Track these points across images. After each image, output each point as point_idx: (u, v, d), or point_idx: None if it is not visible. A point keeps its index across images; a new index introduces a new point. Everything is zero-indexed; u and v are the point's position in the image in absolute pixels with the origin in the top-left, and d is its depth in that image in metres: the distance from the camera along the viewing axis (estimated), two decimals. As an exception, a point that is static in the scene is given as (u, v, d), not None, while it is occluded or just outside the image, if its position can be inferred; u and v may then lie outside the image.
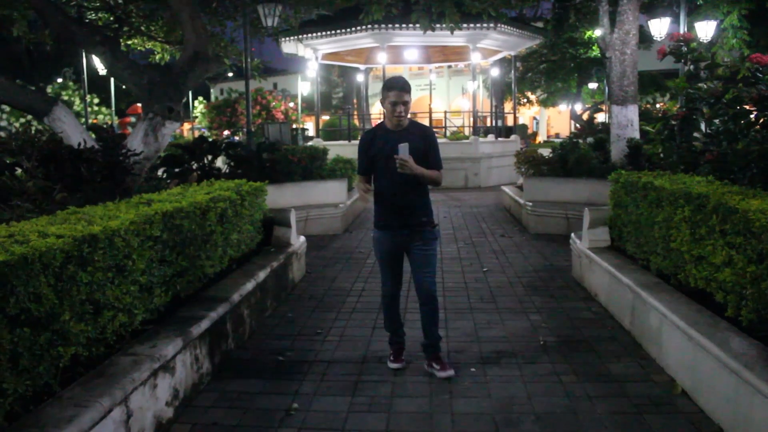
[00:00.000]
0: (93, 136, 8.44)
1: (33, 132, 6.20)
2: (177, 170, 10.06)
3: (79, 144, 6.92)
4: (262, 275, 5.74)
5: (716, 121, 5.48)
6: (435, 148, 4.48)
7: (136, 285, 3.85)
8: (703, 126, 6.09)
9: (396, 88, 4.29)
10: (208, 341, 4.45)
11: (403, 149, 4.15)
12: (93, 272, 3.34)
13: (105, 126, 14.64)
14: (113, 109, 27.64)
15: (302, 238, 7.67)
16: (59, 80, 32.15)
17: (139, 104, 36.08)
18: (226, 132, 33.30)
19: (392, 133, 4.38)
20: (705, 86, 5.65)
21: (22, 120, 25.71)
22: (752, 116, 4.75)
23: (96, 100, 29.98)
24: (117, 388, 3.19)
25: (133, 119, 32.74)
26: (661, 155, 6.58)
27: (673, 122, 6.20)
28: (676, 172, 5.85)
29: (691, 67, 6.03)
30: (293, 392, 4.31)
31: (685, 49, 6.08)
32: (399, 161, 4.15)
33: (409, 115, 4.43)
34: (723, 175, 4.98)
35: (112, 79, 25.47)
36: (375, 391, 4.29)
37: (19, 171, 6.22)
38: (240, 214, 5.86)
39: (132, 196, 5.09)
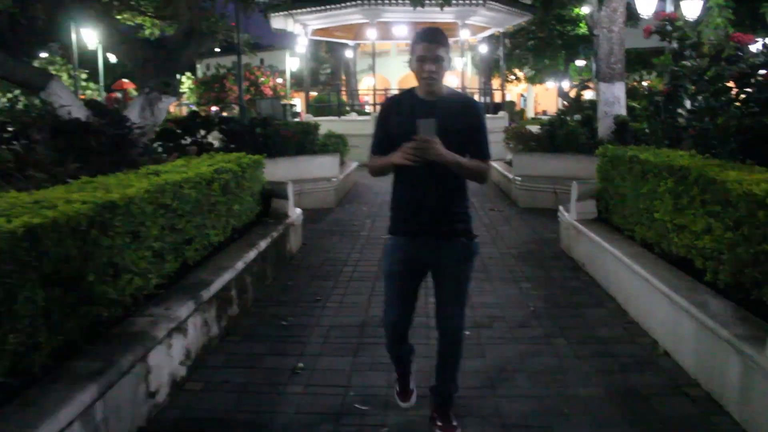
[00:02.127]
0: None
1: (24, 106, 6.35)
2: (171, 144, 10.20)
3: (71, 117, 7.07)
4: (263, 244, 5.96)
5: (699, 97, 5.72)
6: (480, 128, 3.16)
7: (150, 251, 4.06)
8: (688, 103, 6.33)
9: (425, 40, 3.03)
10: (216, 305, 4.67)
11: (426, 126, 2.87)
12: (113, 237, 3.54)
13: (99, 101, 14.68)
14: (101, 84, 27.47)
15: (299, 210, 7.88)
16: (43, 55, 31.87)
17: (125, 80, 35.74)
18: (214, 108, 33.25)
19: (422, 102, 3.11)
20: (689, 64, 5.90)
21: (9, 95, 25.60)
22: (732, 93, 4.99)
23: (84, 76, 29.80)
24: (138, 345, 3.41)
25: (118, 95, 32.59)
26: (647, 131, 6.83)
27: (658, 99, 6.45)
28: (661, 146, 6.10)
29: (676, 45, 6.26)
30: (298, 354, 4.54)
31: (669, 28, 6.31)
32: (418, 143, 2.88)
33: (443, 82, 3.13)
34: (705, 149, 5.24)
35: (100, 55, 25.32)
36: (376, 351, 4.53)
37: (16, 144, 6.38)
38: (241, 186, 6.06)
39: (137, 168, 5.28)
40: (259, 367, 4.32)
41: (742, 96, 4.90)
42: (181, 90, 39.32)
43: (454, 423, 3.36)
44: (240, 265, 5.22)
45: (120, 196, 3.64)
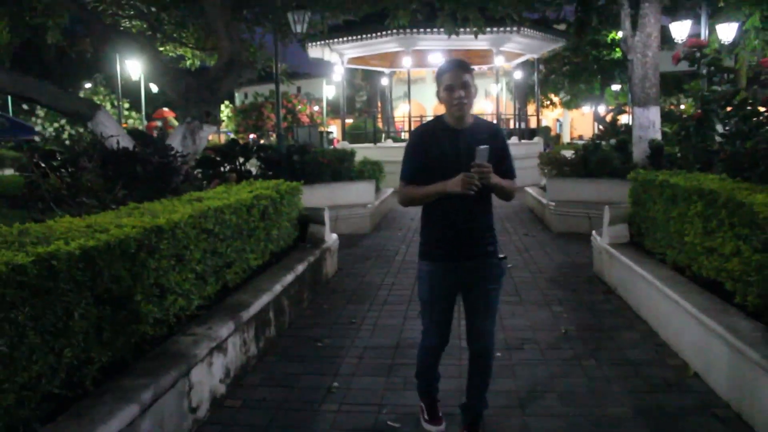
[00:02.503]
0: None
1: (73, 136, 6.68)
2: (211, 171, 10.50)
3: (120, 146, 7.39)
4: (300, 268, 6.14)
5: (730, 121, 5.77)
6: (506, 151, 3.39)
7: (192, 273, 4.26)
8: (720, 127, 6.38)
9: (450, 69, 3.21)
10: (254, 326, 4.85)
11: (482, 154, 3.01)
12: (159, 259, 3.75)
13: (142, 130, 15.08)
14: (143, 113, 28.28)
15: (335, 236, 8.06)
16: (87, 85, 32.92)
17: (165, 109, 36.60)
18: (252, 135, 33.89)
19: (455, 132, 3.25)
20: (719, 89, 5.96)
21: (56, 125, 26.51)
22: (762, 117, 5.04)
23: (126, 105, 30.67)
24: (182, 362, 3.59)
25: (159, 123, 33.41)
26: (678, 155, 6.88)
27: (689, 123, 6.51)
28: (692, 170, 6.15)
29: (704, 71, 6.33)
30: (333, 373, 4.68)
31: (698, 54, 6.39)
32: (477, 170, 3.01)
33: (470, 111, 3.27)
34: (736, 173, 5.28)
35: (142, 85, 26.10)
36: (409, 372, 4.63)
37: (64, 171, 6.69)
38: (279, 212, 6.26)
39: (180, 194, 5.52)
40: (295, 386, 4.47)
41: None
42: (219, 118, 40.25)
43: None
44: (278, 288, 5.40)
45: (166, 221, 3.86)
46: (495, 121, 21.72)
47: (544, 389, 4.32)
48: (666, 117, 11.08)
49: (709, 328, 4.12)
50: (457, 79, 3.17)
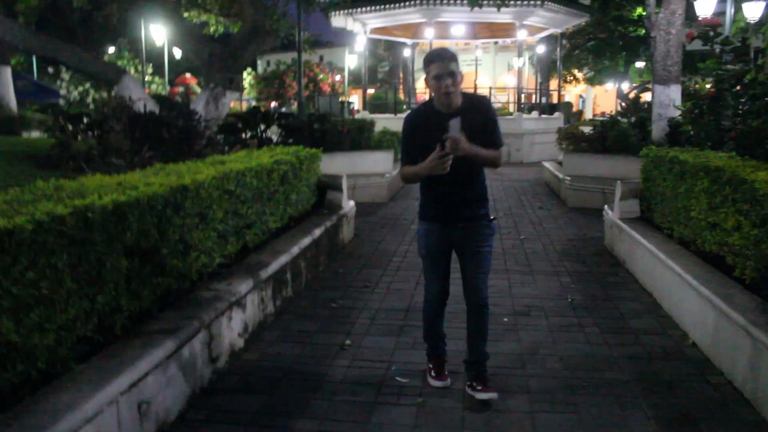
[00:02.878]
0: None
1: (99, 100, 6.91)
2: (233, 137, 10.71)
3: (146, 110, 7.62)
4: (317, 233, 6.36)
5: (742, 100, 5.86)
6: (494, 122, 3.69)
7: (215, 231, 4.49)
8: (732, 105, 6.45)
9: (437, 59, 3.51)
10: (272, 285, 5.08)
11: (455, 126, 3.33)
12: (184, 217, 3.97)
13: (166, 95, 15.32)
14: (166, 78, 28.51)
15: (352, 203, 8.27)
16: (111, 50, 33.13)
17: (188, 75, 36.73)
18: (273, 103, 34.07)
19: (444, 116, 3.48)
20: (732, 68, 6.04)
21: (80, 88, 26.81)
22: (769, 97, 5.14)
23: (149, 70, 30.88)
24: (203, 315, 3.83)
25: (181, 89, 33.64)
26: (691, 133, 6.98)
27: (702, 102, 6.60)
28: (704, 148, 6.26)
29: (717, 50, 6.40)
30: (346, 332, 4.92)
31: (711, 33, 6.45)
32: (449, 141, 3.33)
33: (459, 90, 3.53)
34: (745, 151, 5.39)
35: (165, 50, 26.27)
36: (419, 333, 4.83)
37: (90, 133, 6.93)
38: (298, 177, 6.47)
39: (203, 158, 5.74)
40: (309, 343, 4.71)
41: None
42: (242, 85, 40.39)
43: (491, 386, 3.77)
44: (295, 250, 5.63)
45: (191, 180, 4.07)
46: (517, 95, 21.76)
47: (547, 353, 4.52)
48: (689, 96, 11.07)
49: (707, 299, 4.29)
50: (444, 69, 3.47)
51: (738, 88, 5.75)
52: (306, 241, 5.98)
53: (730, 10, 13.58)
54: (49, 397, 2.67)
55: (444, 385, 3.95)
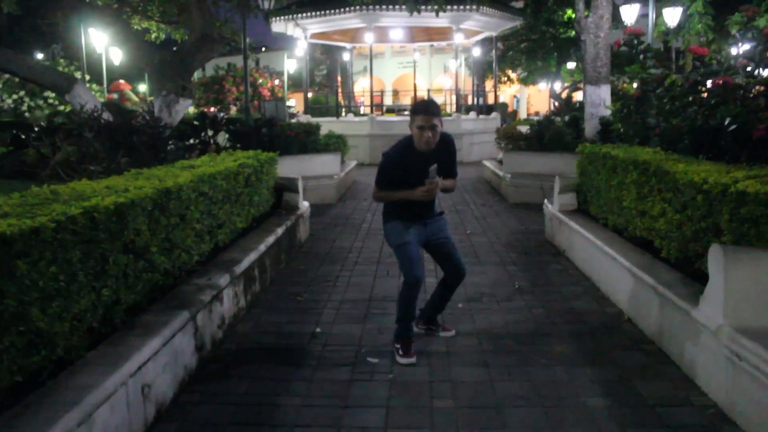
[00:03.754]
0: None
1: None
2: (182, 143, 10.91)
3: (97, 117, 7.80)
4: (279, 231, 6.71)
5: (664, 101, 6.49)
6: (453, 157, 4.59)
7: (192, 231, 4.81)
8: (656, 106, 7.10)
9: (422, 112, 4.26)
10: (243, 281, 5.42)
11: (433, 172, 4.22)
12: (168, 217, 4.30)
13: (117, 102, 15.34)
14: (105, 85, 28.16)
15: (307, 203, 8.63)
16: (39, 56, 32.46)
17: (121, 81, 36.11)
18: (212, 108, 33.92)
19: (422, 155, 4.33)
20: (655, 72, 6.68)
21: (14, 96, 26.27)
22: (688, 98, 5.76)
23: (87, 77, 30.42)
24: (191, 306, 4.17)
25: (115, 95, 33.21)
26: (621, 131, 7.61)
27: (630, 102, 7.24)
28: (633, 144, 6.87)
29: (640, 56, 7.06)
30: (314, 322, 5.30)
31: (635, 41, 7.10)
32: (431, 184, 4.24)
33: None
34: (668, 147, 6.00)
35: (104, 57, 25.99)
36: (383, 320, 5.29)
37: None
38: (260, 179, 6.81)
39: (169, 162, 6.04)
40: (282, 332, 5.08)
41: (693, 100, 5.66)
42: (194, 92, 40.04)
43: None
44: (262, 247, 5.98)
45: (173, 183, 4.40)
46: (454, 97, 22.40)
47: (500, 332, 5.00)
48: (611, 95, 11.80)
49: (639, 278, 4.85)
50: (427, 122, 4.25)
51: (660, 90, 6.40)
52: (270, 239, 6.34)
53: (652, 15, 14.47)
54: (69, 378, 2.98)
55: (412, 362, 4.39)
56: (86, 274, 3.26)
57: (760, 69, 5.45)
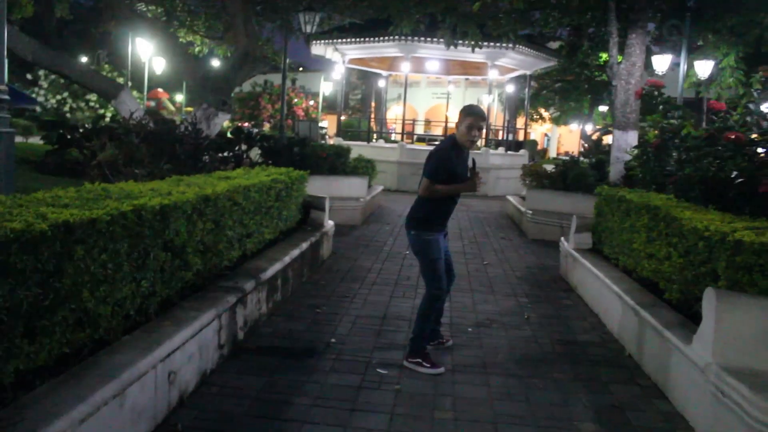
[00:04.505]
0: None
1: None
2: (219, 155, 11.34)
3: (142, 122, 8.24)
4: (304, 246, 7.05)
5: (680, 150, 6.75)
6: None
7: (225, 237, 5.16)
8: (676, 154, 7.35)
9: (475, 114, 4.88)
10: (266, 289, 5.75)
11: (474, 166, 4.98)
12: (205, 221, 4.65)
13: (157, 110, 15.86)
14: (145, 93, 28.98)
15: (331, 222, 8.97)
16: (83, 59, 33.49)
17: (159, 90, 36.88)
18: (246, 124, 34.66)
19: (465, 151, 4.98)
20: (674, 122, 6.96)
21: (58, 97, 27.14)
22: (703, 150, 6.02)
23: (129, 83, 31.33)
24: (219, 305, 4.50)
25: (152, 103, 34.07)
26: (640, 176, 7.87)
27: (649, 149, 7.51)
28: (650, 190, 7.13)
29: (660, 107, 7.35)
30: (330, 333, 5.60)
31: (656, 92, 7.39)
32: (477, 173, 4.89)
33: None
34: (681, 194, 6.25)
35: (146, 66, 26.80)
36: (395, 336, 5.58)
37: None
38: (289, 195, 7.17)
39: (206, 171, 6.42)
40: (299, 339, 5.39)
41: (709, 151, 5.93)
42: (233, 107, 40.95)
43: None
44: (287, 259, 6.32)
45: (211, 191, 4.75)
46: (484, 131, 22.75)
47: (505, 357, 5.27)
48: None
49: (641, 316, 5.09)
50: (477, 123, 4.87)
51: (677, 140, 6.67)
52: (295, 252, 6.67)
53: (683, 66, 14.73)
54: (108, 357, 3.32)
55: (443, 370, 4.82)
56: (130, 265, 3.61)
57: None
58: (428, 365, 4.81)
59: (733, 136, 5.52)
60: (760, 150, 5.50)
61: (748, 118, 5.90)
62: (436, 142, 25.03)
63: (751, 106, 5.99)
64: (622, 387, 4.74)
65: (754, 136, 5.85)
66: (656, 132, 7.71)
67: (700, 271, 4.52)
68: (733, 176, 5.25)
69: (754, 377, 3.57)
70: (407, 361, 4.88)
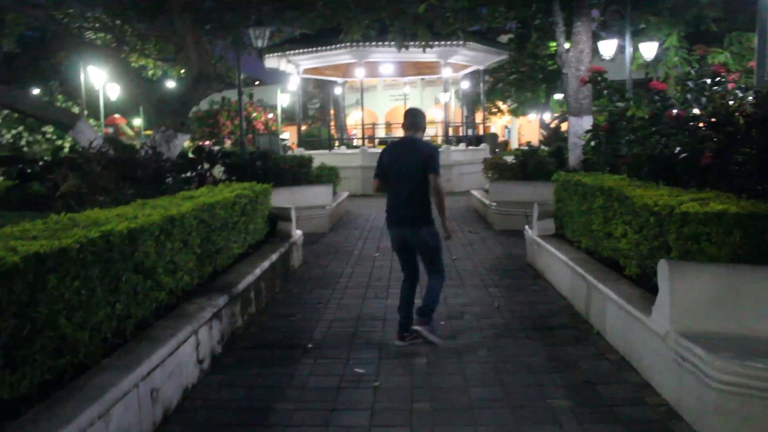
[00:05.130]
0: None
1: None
2: (182, 175, 11.36)
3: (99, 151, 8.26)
4: (274, 257, 7.15)
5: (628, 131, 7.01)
6: None
7: (194, 255, 5.25)
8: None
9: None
10: (240, 302, 5.84)
11: None
12: (173, 242, 4.74)
13: (115, 137, 15.79)
14: (102, 120, 28.71)
15: (300, 232, 9.08)
16: (35, 91, 33.06)
17: (116, 116, 36.56)
18: (207, 142, 34.48)
19: None
20: (621, 105, 7.21)
21: (13, 131, 26.79)
22: (648, 130, 6.27)
23: (85, 112, 31.00)
24: (194, 321, 4.59)
25: (110, 130, 33.78)
26: (594, 160, 8.12)
27: (600, 133, 7.76)
28: (604, 173, 7.37)
29: (605, 92, 7.61)
30: (307, 339, 5.72)
31: (599, 78, 7.65)
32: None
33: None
34: (633, 174, 6.49)
35: (101, 93, 26.60)
36: (370, 336, 5.72)
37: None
38: (255, 209, 7.27)
39: (171, 194, 6.49)
40: (276, 348, 5.50)
41: (655, 131, 6.18)
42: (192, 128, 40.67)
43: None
44: (257, 271, 6.41)
45: (177, 212, 4.84)
46: (444, 128, 23.03)
47: (478, 345, 5.43)
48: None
49: (604, 293, 5.29)
50: None
51: (624, 122, 6.92)
52: (265, 264, 6.77)
53: (629, 49, 15.10)
54: (90, 380, 3.40)
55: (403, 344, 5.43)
56: (103, 289, 3.69)
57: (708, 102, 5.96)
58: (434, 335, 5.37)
59: (674, 114, 5.76)
60: (700, 124, 5.74)
61: (689, 96, 6.15)
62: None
63: (689, 83, 6.24)
64: (592, 363, 4.93)
65: (695, 111, 6.10)
66: (605, 116, 7.96)
67: (654, 245, 4.73)
68: (677, 152, 5.49)
69: (709, 340, 3.77)
70: (422, 328, 5.33)
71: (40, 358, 3.08)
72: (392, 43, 15.66)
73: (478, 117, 32.88)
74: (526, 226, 8.98)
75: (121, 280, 3.90)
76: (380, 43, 18.70)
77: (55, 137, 26.17)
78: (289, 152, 24.16)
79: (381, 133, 37.33)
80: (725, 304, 3.94)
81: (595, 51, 15.49)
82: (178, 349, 4.26)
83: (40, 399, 3.09)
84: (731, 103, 5.60)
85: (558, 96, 35.26)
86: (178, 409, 4.22)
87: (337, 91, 31.43)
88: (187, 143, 29.15)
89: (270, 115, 38.73)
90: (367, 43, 18.76)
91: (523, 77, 30.80)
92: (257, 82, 56.62)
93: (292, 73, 23.00)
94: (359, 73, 21.22)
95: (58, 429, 2.81)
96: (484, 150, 22.65)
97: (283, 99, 40.85)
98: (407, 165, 5.36)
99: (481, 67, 23.96)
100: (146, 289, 4.31)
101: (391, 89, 48.47)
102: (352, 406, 4.26)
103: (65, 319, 3.27)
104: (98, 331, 3.67)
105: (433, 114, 45.16)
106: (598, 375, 4.68)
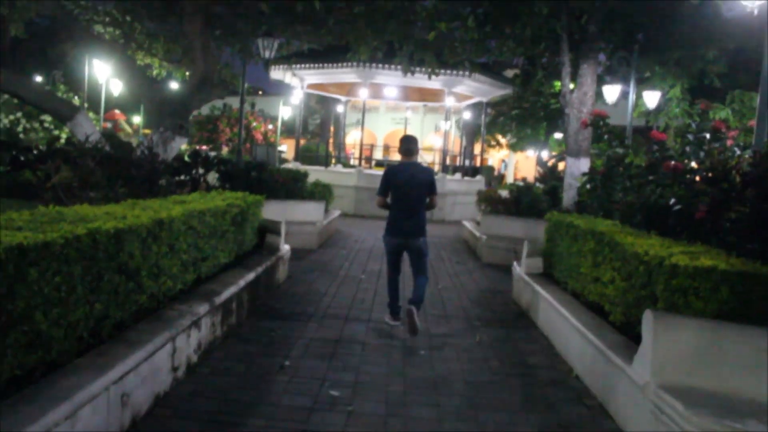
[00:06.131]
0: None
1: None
2: (175, 179, 11.31)
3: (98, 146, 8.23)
4: (259, 269, 7.09)
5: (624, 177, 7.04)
6: None
7: (179, 261, 5.19)
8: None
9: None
10: (221, 312, 5.78)
11: None
12: (159, 245, 4.69)
13: (114, 133, 15.75)
14: (101, 114, 28.67)
15: (288, 246, 9.03)
16: (38, 79, 33.04)
17: (116, 111, 36.54)
18: (204, 147, 34.45)
19: None
20: (620, 151, 7.25)
21: (11, 117, 26.70)
22: (644, 178, 6.30)
23: (86, 105, 30.96)
24: (171, 327, 4.53)
25: (109, 125, 33.73)
26: (588, 203, 8.14)
27: (596, 177, 7.79)
28: (597, 216, 7.37)
29: (605, 136, 7.67)
30: (284, 355, 5.65)
31: (601, 123, 7.71)
32: None
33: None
34: (626, 221, 6.50)
35: (104, 88, 26.59)
36: (348, 359, 5.67)
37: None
38: (245, 219, 7.22)
39: (163, 195, 6.45)
40: (253, 362, 5.43)
41: (652, 179, 6.20)
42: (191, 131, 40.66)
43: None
44: (242, 282, 6.35)
45: (166, 215, 4.80)
46: (442, 156, 23.07)
47: (455, 378, 5.38)
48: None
49: (586, 337, 5.26)
50: None
51: (621, 168, 6.96)
52: (250, 276, 6.72)
53: (632, 96, 15.23)
54: (60, 379, 3.34)
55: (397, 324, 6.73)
56: (83, 287, 3.64)
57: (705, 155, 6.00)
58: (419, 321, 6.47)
59: (672, 165, 5.79)
60: (697, 178, 5.77)
61: (687, 148, 6.19)
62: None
63: (689, 136, 6.28)
64: (568, 407, 4.89)
65: (693, 164, 6.13)
66: (603, 160, 7.98)
67: (641, 294, 4.72)
68: (671, 203, 5.51)
69: (689, 394, 3.74)
70: (415, 311, 6.39)
71: (11, 353, 3.02)
72: (398, 66, 15.72)
73: (477, 148, 33.04)
74: (515, 263, 8.96)
75: (102, 280, 3.85)
76: (386, 66, 18.79)
77: (52, 127, 26.08)
78: (285, 165, 24.18)
79: (379, 154, 37.44)
80: (708, 360, 3.92)
81: (599, 94, 15.64)
82: (154, 355, 4.20)
83: (7, 395, 3.02)
84: (729, 159, 5.63)
85: (558, 135, 35.54)
86: (148, 416, 4.15)
87: (339, 108, 31.55)
88: (184, 146, 29.16)
89: (270, 126, 38.79)
90: (374, 65, 18.86)
91: (525, 113, 31.04)
92: (260, 92, 56.80)
93: (296, 86, 23.08)
94: (363, 93, 21.31)
95: (22, 427, 2.75)
96: (479, 182, 22.71)
97: (285, 111, 40.96)
98: (414, 186, 6.55)
99: (485, 99, 24.11)
100: (128, 290, 4.25)
101: (393, 112, 48.71)
102: (323, 429, 4.20)
103: (42, 315, 3.21)
104: (74, 330, 3.61)
105: (432, 141, 45.32)
106: (573, 419, 4.64)
